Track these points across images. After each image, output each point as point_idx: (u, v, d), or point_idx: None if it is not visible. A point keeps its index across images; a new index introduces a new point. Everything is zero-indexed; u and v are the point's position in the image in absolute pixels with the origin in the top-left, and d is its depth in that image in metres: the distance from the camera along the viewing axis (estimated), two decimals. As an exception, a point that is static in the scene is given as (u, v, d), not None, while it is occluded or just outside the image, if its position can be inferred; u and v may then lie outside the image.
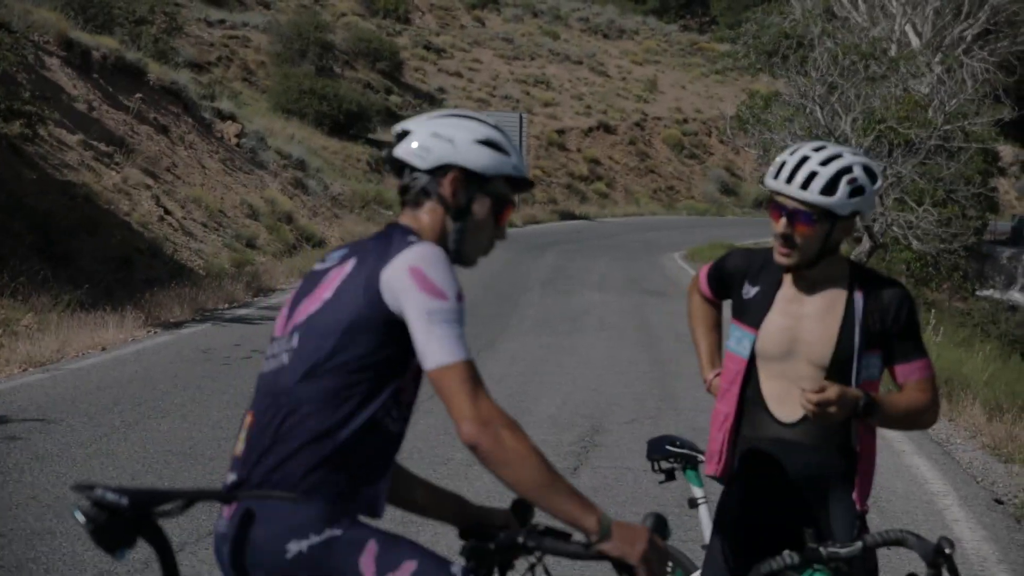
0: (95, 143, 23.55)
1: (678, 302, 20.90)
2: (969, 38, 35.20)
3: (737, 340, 4.21)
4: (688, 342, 4.59)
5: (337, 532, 3.08)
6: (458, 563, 3.14)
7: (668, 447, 4.79)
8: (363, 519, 3.16)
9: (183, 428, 10.60)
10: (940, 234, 27.59)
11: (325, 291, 3.24)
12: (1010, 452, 10.80)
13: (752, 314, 4.18)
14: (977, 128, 28.70)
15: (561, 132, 53.31)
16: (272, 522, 3.09)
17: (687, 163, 57.36)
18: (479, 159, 3.33)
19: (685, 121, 59.45)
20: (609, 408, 12.17)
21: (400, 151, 3.36)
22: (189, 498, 3.11)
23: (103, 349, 14.71)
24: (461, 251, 3.39)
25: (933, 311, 21.95)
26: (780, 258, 4.08)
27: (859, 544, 3.63)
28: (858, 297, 4.09)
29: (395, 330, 3.14)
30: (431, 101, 50.10)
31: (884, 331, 4.06)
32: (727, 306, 4.48)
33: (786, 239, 4.03)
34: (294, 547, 3.07)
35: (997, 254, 42.93)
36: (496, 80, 56.05)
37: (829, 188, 3.98)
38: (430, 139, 3.33)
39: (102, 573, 6.77)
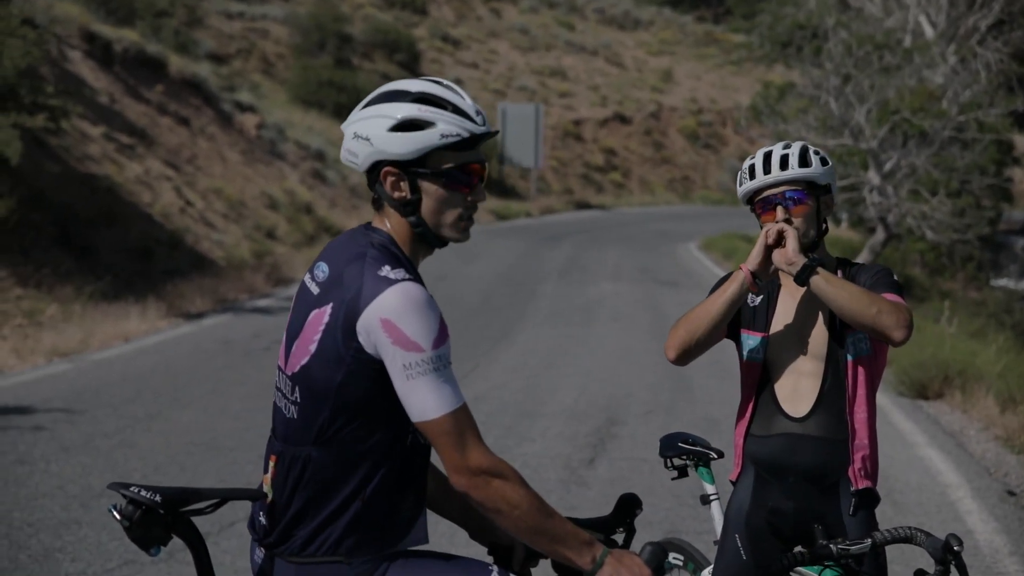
0: (117, 135, 23.74)
1: (691, 292, 20.98)
2: (983, 28, 35.03)
3: (750, 348, 4.32)
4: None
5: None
6: (495, 568, 3.20)
7: (680, 444, 4.85)
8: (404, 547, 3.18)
9: (204, 419, 10.76)
10: (954, 224, 27.55)
11: (311, 339, 3.13)
12: (1023, 444, 10.80)
13: (759, 320, 4.32)
14: (991, 118, 28.61)
15: (577, 123, 53.31)
16: None
17: (702, 153, 57.30)
18: (399, 147, 3.10)
19: (700, 111, 59.34)
20: (624, 399, 12.25)
21: (342, 157, 3.24)
22: (222, 497, 3.25)
23: (126, 340, 14.90)
24: (434, 237, 3.20)
25: (947, 301, 21.96)
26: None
27: (868, 541, 3.65)
28: None
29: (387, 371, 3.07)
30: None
31: None
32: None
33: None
34: None
35: (1011, 243, 42.78)
36: (512, 71, 56.05)
37: (803, 161, 4.25)
38: (352, 141, 3.16)
39: (127, 563, 6.89)
